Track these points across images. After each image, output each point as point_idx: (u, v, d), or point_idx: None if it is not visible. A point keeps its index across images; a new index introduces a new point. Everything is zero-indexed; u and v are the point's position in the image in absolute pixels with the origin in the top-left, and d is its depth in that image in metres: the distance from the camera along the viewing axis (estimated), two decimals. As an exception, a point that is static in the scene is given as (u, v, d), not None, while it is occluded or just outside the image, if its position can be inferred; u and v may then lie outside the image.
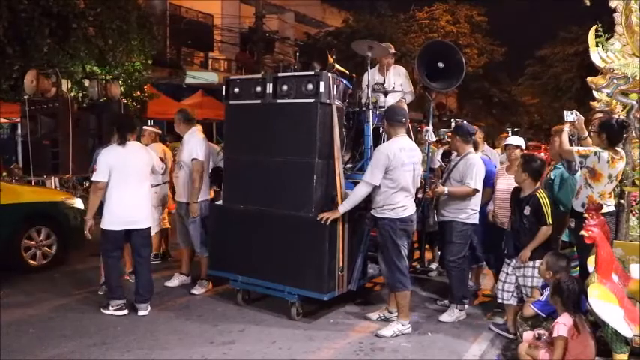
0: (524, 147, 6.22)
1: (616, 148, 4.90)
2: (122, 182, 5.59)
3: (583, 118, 5.27)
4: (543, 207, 4.82)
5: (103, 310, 5.68)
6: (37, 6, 11.64)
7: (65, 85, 11.85)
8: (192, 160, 6.27)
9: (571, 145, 5.24)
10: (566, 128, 5.11)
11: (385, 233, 5.21)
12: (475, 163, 5.61)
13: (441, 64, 6.71)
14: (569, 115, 5.10)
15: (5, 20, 11.07)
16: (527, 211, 4.88)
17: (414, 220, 5.39)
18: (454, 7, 30.80)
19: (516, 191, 5.15)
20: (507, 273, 5.11)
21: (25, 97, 10.53)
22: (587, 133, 5.25)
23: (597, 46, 5.19)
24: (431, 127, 7.23)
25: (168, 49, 21.36)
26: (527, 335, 4.40)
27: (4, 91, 11.75)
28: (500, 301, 5.21)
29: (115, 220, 5.59)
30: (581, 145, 5.24)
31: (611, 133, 4.88)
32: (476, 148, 6.44)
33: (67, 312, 5.85)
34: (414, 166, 5.27)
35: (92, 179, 5.54)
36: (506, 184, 5.79)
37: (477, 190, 5.57)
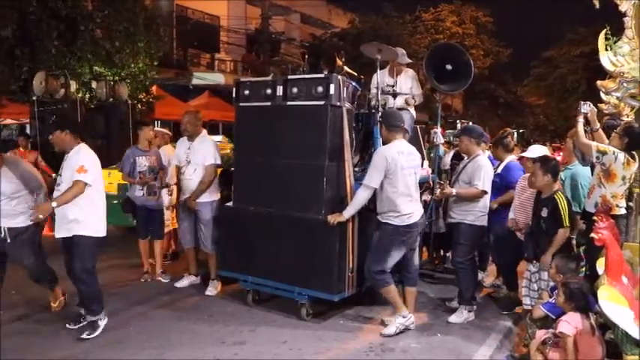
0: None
1: (632, 152, 4.92)
2: (101, 186, 5.34)
3: (596, 110, 5.28)
4: (561, 209, 4.83)
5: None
6: (46, 8, 11.72)
7: (73, 86, 11.96)
8: (208, 163, 6.37)
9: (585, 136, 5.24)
10: (581, 119, 5.12)
11: (385, 236, 5.22)
12: (483, 165, 5.63)
13: (449, 67, 6.73)
14: (584, 106, 5.12)
15: (15, 23, 11.16)
16: (544, 212, 4.90)
17: (420, 225, 5.41)
18: (460, 8, 30.82)
19: (537, 195, 5.16)
20: (529, 279, 5.14)
21: (34, 98, 10.62)
22: (598, 125, 5.27)
23: (607, 49, 5.21)
24: (439, 129, 7.26)
25: (174, 50, 21.43)
26: (540, 333, 4.41)
27: (13, 93, 11.84)
28: (526, 307, 5.20)
29: (104, 226, 5.32)
30: (593, 137, 5.25)
31: (634, 139, 4.90)
32: (510, 151, 6.44)
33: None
34: (414, 170, 5.29)
35: (85, 179, 4.96)
36: (518, 199, 5.73)
37: (484, 192, 5.58)
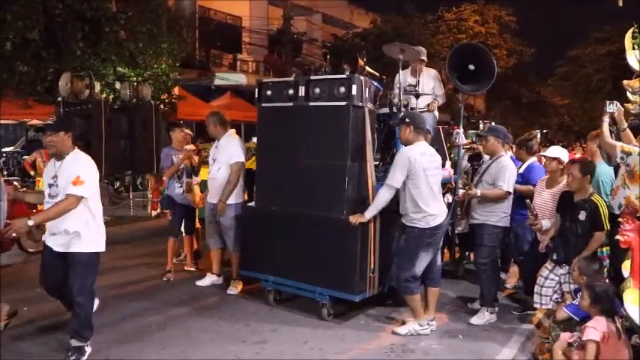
0: (565, 159, 5.73)
1: None
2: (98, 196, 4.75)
3: (623, 109, 5.20)
4: (601, 211, 4.76)
5: None
6: (72, 10, 11.88)
7: (97, 87, 12.09)
8: (233, 162, 6.37)
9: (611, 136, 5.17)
10: (606, 119, 5.04)
11: (411, 240, 5.20)
12: (507, 166, 5.59)
13: (471, 67, 6.68)
14: (610, 106, 5.04)
15: (41, 25, 11.32)
16: (582, 216, 4.80)
17: (445, 226, 5.38)
18: (483, 7, 30.53)
19: (566, 196, 5.09)
20: (545, 277, 5.08)
21: (60, 99, 10.75)
22: (625, 125, 5.18)
23: (634, 48, 5.12)
24: (461, 130, 7.21)
25: (197, 51, 21.57)
26: (565, 336, 4.36)
27: (39, 93, 12.01)
28: (537, 305, 5.16)
29: (104, 241, 4.78)
30: (619, 137, 5.17)
31: None
32: (533, 154, 6.40)
33: (102, 309, 5.96)
34: (436, 171, 5.27)
35: (80, 193, 4.40)
36: (539, 199, 5.63)
37: (509, 193, 5.54)
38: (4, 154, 16.15)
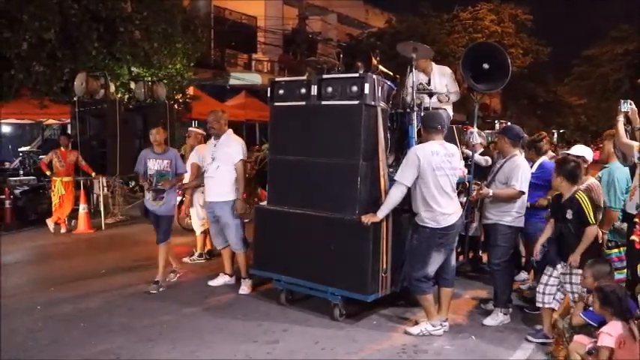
0: (589, 158, 5.81)
1: None
2: None
3: (636, 109, 5.13)
4: (584, 207, 4.71)
5: None
6: (87, 11, 11.97)
7: (112, 87, 12.18)
8: (239, 160, 6.48)
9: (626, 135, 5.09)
10: (621, 118, 4.97)
11: (423, 240, 5.16)
12: (521, 165, 5.52)
13: (486, 66, 6.62)
14: (624, 105, 4.98)
15: (57, 25, 11.42)
16: (569, 214, 4.78)
17: (458, 226, 5.31)
18: (498, 6, 30.34)
19: (557, 198, 5.06)
20: (550, 276, 5.01)
21: (75, 98, 10.83)
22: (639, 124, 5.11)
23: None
24: (476, 129, 7.16)
25: (212, 50, 21.64)
26: (580, 338, 4.30)
27: (55, 93, 12.11)
28: (539, 305, 5.10)
29: None
30: (635, 136, 5.09)
31: None
32: (543, 154, 6.34)
33: (114, 308, 6.00)
34: (450, 171, 5.18)
35: None
36: None
37: (522, 192, 5.47)
38: (21, 154, 16.30)
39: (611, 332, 3.94)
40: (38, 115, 12.91)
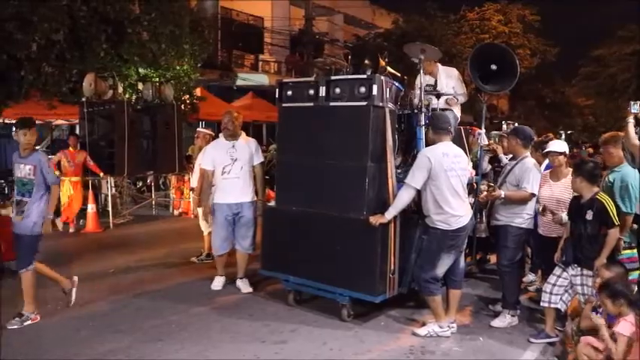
0: (567, 152, 5.87)
1: None
2: None
3: None
4: (608, 209, 4.68)
5: None
6: (95, 12, 12.03)
7: (120, 87, 12.25)
8: (260, 161, 6.74)
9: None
10: (631, 120, 4.96)
11: (433, 241, 5.16)
12: (532, 167, 5.51)
13: (494, 67, 6.61)
14: (634, 106, 4.97)
15: (66, 27, 11.48)
16: (589, 215, 4.75)
17: (469, 228, 5.31)
18: (505, 7, 30.24)
19: (576, 199, 5.03)
20: (559, 276, 5.00)
21: (84, 99, 10.89)
22: None
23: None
24: (483, 130, 7.14)
25: (219, 51, 21.69)
26: (587, 339, 4.29)
27: (64, 94, 12.17)
28: (545, 304, 5.08)
29: None
30: None
31: None
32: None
33: (122, 308, 6.03)
34: (460, 172, 5.19)
35: None
36: (549, 191, 5.64)
37: (533, 195, 5.47)
38: (30, 154, 16.36)
39: (633, 322, 3.94)
40: (47, 115, 12.99)
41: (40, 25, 11.17)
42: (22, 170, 5.52)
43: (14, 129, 5.75)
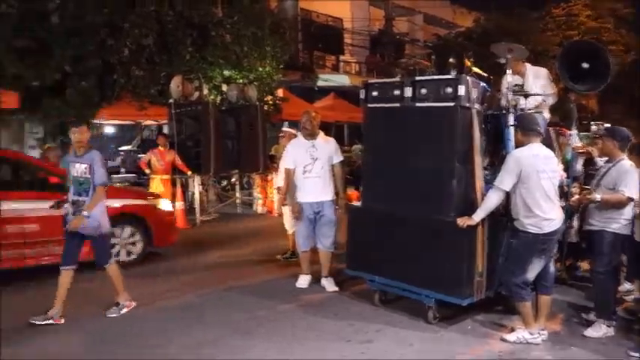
0: None
1: None
2: None
3: None
4: None
5: None
6: (181, 17, 12.51)
7: (205, 89, 12.66)
8: (340, 160, 6.83)
9: None
10: None
11: (524, 246, 5.02)
12: (629, 170, 5.23)
13: (585, 65, 6.36)
14: None
15: (155, 32, 12.01)
16: None
17: (560, 232, 5.15)
18: (595, 1, 28.90)
19: None
20: None
21: (171, 100, 11.33)
22: None
23: None
24: (574, 132, 6.89)
25: (300, 52, 21.96)
26: None
27: (153, 96, 12.73)
28: None
29: None
30: None
31: None
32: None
33: (210, 302, 6.24)
34: (552, 174, 5.03)
35: None
36: None
37: (630, 199, 5.20)
38: (122, 153, 17.22)
39: None
40: (137, 116, 13.60)
41: (131, 31, 11.77)
42: (78, 169, 5.56)
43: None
